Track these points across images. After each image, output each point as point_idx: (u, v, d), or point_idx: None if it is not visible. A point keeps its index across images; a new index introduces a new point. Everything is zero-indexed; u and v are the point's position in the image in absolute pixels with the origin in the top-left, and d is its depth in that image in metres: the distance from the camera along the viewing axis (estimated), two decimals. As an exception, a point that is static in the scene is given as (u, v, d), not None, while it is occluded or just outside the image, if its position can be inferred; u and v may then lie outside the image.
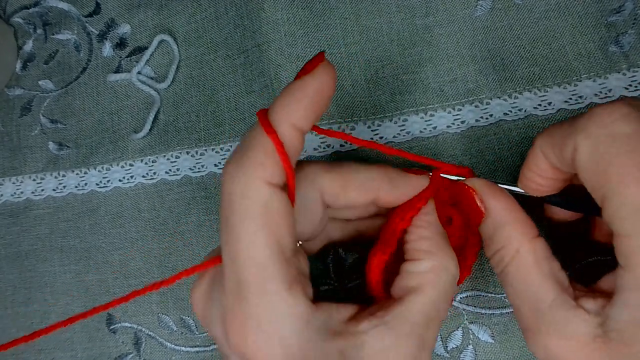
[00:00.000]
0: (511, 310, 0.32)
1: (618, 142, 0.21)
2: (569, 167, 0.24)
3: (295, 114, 0.22)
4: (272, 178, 0.22)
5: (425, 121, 0.34)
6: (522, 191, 0.27)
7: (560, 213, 0.28)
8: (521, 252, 0.24)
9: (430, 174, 0.28)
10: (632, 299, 0.21)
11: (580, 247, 0.30)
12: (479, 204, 0.26)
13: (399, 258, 0.26)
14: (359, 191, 0.26)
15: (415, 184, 0.27)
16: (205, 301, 0.24)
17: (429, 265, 0.25)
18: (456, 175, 0.28)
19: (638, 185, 0.21)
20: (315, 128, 0.25)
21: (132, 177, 0.39)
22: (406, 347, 0.23)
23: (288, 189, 0.23)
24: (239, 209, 0.22)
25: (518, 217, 0.26)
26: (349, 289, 0.34)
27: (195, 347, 0.36)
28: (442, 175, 0.28)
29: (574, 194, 0.26)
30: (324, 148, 0.35)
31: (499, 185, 0.27)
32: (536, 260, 0.24)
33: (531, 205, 0.27)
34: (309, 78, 0.22)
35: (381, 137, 0.35)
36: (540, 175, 0.26)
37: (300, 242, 0.28)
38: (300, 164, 0.26)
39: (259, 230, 0.21)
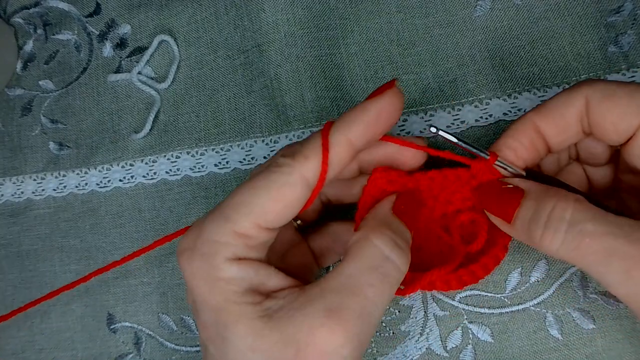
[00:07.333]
0: (510, 309, 0.32)
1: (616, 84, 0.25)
2: (572, 128, 0.26)
3: (353, 132, 0.25)
4: (307, 173, 0.25)
5: (425, 121, 0.34)
6: (486, 155, 0.27)
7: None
8: (580, 200, 0.25)
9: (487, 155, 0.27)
10: None
11: None
12: (517, 184, 0.27)
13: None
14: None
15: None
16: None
17: (357, 237, 0.26)
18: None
19: None
20: (387, 138, 0.28)
21: (132, 177, 0.39)
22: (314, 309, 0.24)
23: (318, 183, 0.25)
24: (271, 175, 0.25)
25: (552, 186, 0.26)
26: None
27: (195, 346, 0.36)
28: (496, 164, 0.27)
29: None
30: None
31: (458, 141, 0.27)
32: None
33: None
34: (372, 102, 0.26)
35: (381, 137, 0.35)
36: (523, 145, 0.27)
37: (299, 222, 0.32)
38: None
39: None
